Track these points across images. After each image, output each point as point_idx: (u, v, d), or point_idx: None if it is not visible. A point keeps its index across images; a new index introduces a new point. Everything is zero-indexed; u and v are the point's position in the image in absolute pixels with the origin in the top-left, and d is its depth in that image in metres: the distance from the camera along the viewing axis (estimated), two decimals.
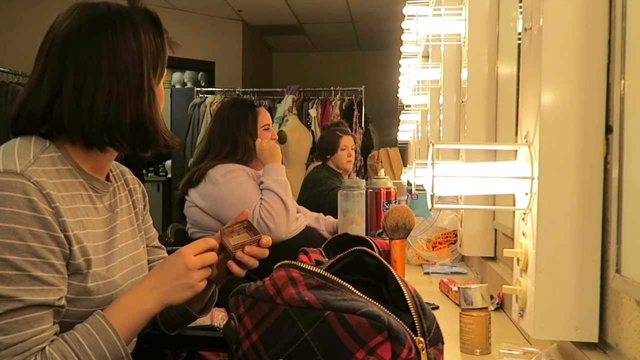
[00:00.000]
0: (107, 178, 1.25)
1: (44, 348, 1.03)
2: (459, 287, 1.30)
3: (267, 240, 1.29)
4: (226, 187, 2.33)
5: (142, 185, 1.40)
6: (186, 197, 2.47)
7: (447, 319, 1.37)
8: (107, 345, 1.07)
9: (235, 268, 1.26)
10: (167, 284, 1.14)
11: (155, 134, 1.18)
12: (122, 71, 1.12)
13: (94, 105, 1.11)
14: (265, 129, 2.52)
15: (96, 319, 1.09)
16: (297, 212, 2.59)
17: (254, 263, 1.27)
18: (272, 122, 6.99)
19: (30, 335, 1.01)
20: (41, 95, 1.12)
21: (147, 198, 1.40)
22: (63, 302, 1.07)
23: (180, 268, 1.15)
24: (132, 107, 1.13)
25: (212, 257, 1.19)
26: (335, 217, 2.78)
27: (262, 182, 2.38)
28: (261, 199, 2.33)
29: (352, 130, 6.66)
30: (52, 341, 1.04)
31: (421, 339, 0.90)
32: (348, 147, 4.11)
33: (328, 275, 0.94)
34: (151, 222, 1.41)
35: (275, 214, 2.29)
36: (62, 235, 1.06)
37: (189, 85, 8.38)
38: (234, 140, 2.45)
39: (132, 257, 1.27)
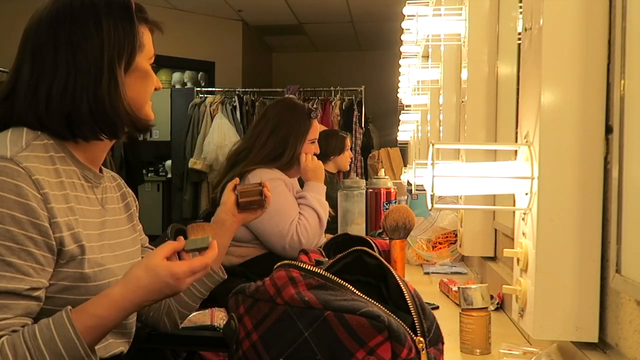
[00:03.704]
0: (100, 172, 1.26)
1: (0, 337, 1.00)
2: (459, 287, 1.30)
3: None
4: None
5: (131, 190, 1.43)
6: None
7: (447, 319, 1.37)
8: (64, 342, 1.02)
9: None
10: (154, 297, 1.09)
11: (117, 118, 1.16)
12: (80, 60, 1.13)
13: (50, 96, 1.13)
14: (311, 142, 2.43)
15: (60, 314, 1.04)
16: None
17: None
18: None
19: None
20: (2, 87, 1.17)
21: (137, 203, 1.41)
22: (37, 293, 1.05)
23: (171, 289, 1.09)
24: (89, 94, 1.13)
25: (200, 263, 1.10)
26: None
27: (303, 197, 2.33)
28: (300, 213, 2.29)
29: (352, 131, 6.70)
30: (13, 331, 1.02)
31: (421, 339, 0.90)
32: (349, 147, 4.31)
33: (328, 275, 0.94)
34: (140, 226, 1.41)
35: (310, 231, 2.26)
36: (48, 225, 1.05)
37: (188, 85, 8.37)
38: (284, 144, 2.35)
39: (127, 253, 1.27)
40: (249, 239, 2.31)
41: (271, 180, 2.29)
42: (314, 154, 2.46)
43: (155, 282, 1.08)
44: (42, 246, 1.05)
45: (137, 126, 1.21)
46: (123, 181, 1.39)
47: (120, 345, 1.23)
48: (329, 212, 2.57)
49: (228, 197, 1.59)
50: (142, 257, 1.36)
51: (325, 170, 4.10)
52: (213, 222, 1.71)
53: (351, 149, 4.83)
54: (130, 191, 1.40)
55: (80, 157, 1.19)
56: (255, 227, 2.28)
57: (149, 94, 1.24)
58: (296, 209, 2.30)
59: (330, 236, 2.73)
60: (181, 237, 1.16)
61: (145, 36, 1.22)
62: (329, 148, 4.20)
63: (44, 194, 1.06)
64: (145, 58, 1.21)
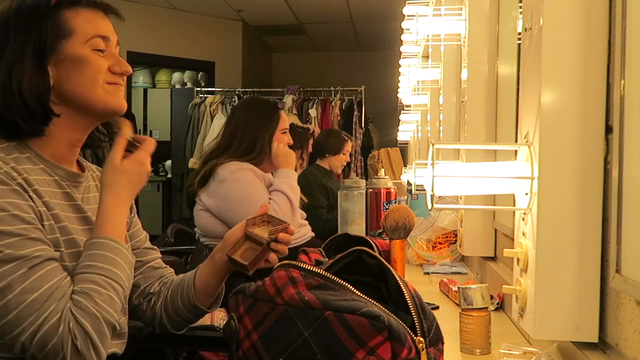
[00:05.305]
0: (82, 170, 1.27)
1: (72, 291, 1.05)
2: (459, 287, 1.30)
3: (292, 228, 1.35)
4: (233, 185, 2.31)
5: None
6: (196, 200, 2.44)
7: (447, 319, 1.37)
8: (114, 252, 1.10)
9: (273, 257, 1.32)
10: (134, 193, 1.20)
11: (8, 113, 1.13)
12: None
13: None
14: (283, 133, 2.49)
15: (88, 243, 1.12)
16: (304, 219, 2.58)
17: (285, 250, 1.33)
18: None
19: (60, 280, 1.05)
20: None
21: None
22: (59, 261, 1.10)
23: (143, 175, 1.20)
24: None
25: (147, 141, 1.22)
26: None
27: (271, 184, 2.36)
28: (270, 199, 2.32)
29: (352, 131, 6.71)
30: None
31: (421, 339, 0.90)
32: (347, 152, 4.34)
33: (328, 275, 0.94)
34: (140, 224, 1.41)
35: (281, 214, 2.28)
36: (35, 205, 1.09)
37: (189, 85, 8.38)
38: (253, 139, 2.43)
39: None
40: None
41: (239, 170, 2.35)
42: (288, 144, 2.51)
43: (131, 177, 1.18)
44: (39, 225, 1.09)
45: (38, 119, 1.16)
46: None
47: (113, 347, 1.22)
48: (301, 199, 2.59)
49: (231, 233, 1.36)
50: (140, 259, 1.36)
51: (319, 165, 4.16)
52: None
53: (350, 155, 4.88)
54: None
55: (47, 155, 1.18)
56: (226, 217, 2.32)
57: (93, 80, 1.17)
58: (265, 196, 2.34)
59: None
60: (122, 132, 1.22)
61: (79, 20, 1.17)
62: (327, 145, 4.24)
63: (19, 183, 1.08)
64: (78, 43, 1.16)
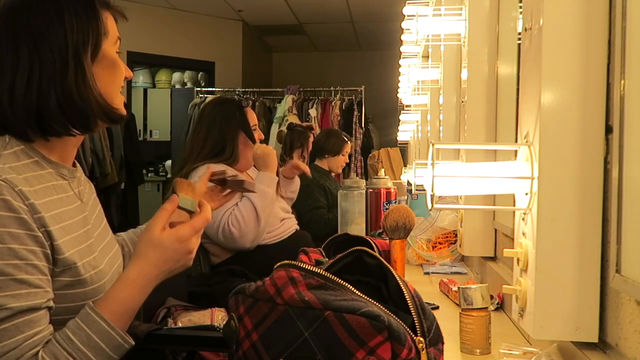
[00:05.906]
0: (73, 165, 1.23)
1: (37, 352, 1.00)
2: (459, 287, 1.30)
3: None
4: None
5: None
6: None
7: (447, 319, 1.37)
8: (100, 336, 1.03)
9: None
10: (168, 267, 1.10)
11: (88, 109, 1.11)
12: (43, 52, 1.08)
13: (13, 92, 1.08)
14: (252, 130, 2.47)
15: (85, 311, 1.05)
16: (287, 212, 2.54)
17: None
18: (273, 122, 7.05)
19: (22, 341, 0.99)
20: None
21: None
22: (51, 303, 1.04)
23: (182, 254, 1.10)
24: (56, 86, 1.08)
25: (201, 220, 1.13)
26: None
27: None
28: (236, 203, 2.27)
29: (352, 131, 6.71)
30: (46, 343, 1.01)
31: (421, 339, 0.90)
32: (347, 154, 4.34)
33: (328, 275, 0.94)
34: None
35: (243, 224, 2.24)
36: (40, 234, 1.03)
37: (189, 85, 8.38)
38: (222, 139, 2.39)
39: (107, 244, 1.26)
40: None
41: None
42: (260, 140, 2.48)
43: (164, 253, 1.09)
44: (42, 257, 1.03)
45: (111, 117, 1.15)
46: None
47: None
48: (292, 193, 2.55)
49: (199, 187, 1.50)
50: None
51: (318, 165, 4.16)
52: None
53: (350, 156, 4.88)
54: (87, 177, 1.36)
55: (53, 157, 1.15)
56: None
57: (119, 85, 1.18)
58: (234, 200, 2.27)
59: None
60: (174, 196, 1.14)
61: (109, 21, 1.17)
62: (326, 146, 4.24)
63: (30, 204, 1.02)
64: (111, 44, 1.16)
